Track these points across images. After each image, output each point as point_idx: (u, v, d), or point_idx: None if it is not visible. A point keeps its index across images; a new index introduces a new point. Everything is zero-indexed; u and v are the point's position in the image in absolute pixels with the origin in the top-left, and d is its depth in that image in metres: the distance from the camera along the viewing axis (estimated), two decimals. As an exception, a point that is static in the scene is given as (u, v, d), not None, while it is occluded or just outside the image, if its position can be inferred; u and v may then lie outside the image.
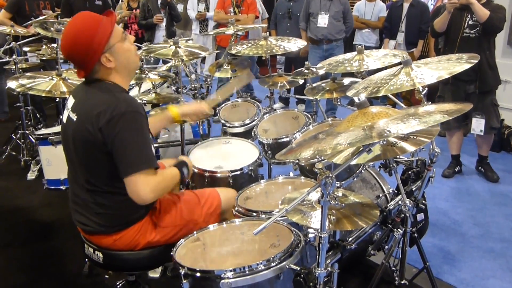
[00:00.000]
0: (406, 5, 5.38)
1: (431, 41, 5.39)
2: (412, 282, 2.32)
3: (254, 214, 1.97)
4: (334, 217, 1.65)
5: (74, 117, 1.78)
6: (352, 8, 5.77)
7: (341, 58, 2.38)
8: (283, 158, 1.59)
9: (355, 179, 2.26)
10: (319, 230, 1.51)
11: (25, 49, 4.67)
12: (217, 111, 3.10)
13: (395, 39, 5.49)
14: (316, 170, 1.46)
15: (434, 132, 1.69)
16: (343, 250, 1.76)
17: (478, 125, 3.69)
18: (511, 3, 4.69)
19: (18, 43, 4.14)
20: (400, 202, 2.08)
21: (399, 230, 2.06)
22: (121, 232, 1.83)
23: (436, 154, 2.00)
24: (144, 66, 3.00)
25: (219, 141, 2.79)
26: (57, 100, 3.77)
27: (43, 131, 3.16)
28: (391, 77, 1.78)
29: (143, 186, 1.68)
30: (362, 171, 2.27)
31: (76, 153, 1.78)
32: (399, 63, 1.85)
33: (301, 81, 3.14)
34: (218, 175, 2.40)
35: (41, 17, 4.35)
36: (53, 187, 2.96)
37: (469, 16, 3.59)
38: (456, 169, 4.08)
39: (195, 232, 1.86)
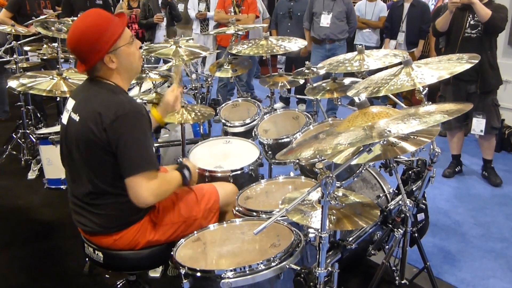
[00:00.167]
0: (406, 5, 5.36)
1: (431, 41, 5.39)
2: (413, 282, 2.32)
3: (255, 214, 1.97)
4: (334, 217, 1.65)
5: (76, 117, 1.77)
6: (353, 8, 5.77)
7: (341, 58, 2.38)
8: (283, 158, 1.59)
9: (355, 179, 2.26)
10: (320, 230, 1.51)
11: (26, 48, 4.67)
12: (217, 110, 3.11)
13: (395, 39, 5.48)
14: (316, 170, 1.46)
15: (435, 132, 1.69)
16: (344, 250, 1.77)
17: (478, 125, 3.69)
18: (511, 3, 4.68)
19: (19, 42, 4.15)
20: (400, 202, 2.08)
21: (399, 230, 2.06)
22: (121, 232, 1.84)
23: (436, 154, 2.00)
24: (145, 65, 3.00)
25: (220, 141, 2.79)
26: (57, 99, 3.76)
27: (44, 130, 3.16)
28: (391, 77, 1.78)
29: (144, 189, 1.69)
30: (363, 171, 2.27)
31: (80, 154, 1.77)
32: (400, 63, 1.85)
33: (301, 81, 3.14)
34: (219, 174, 2.40)
35: (41, 17, 4.35)
36: (53, 187, 2.97)
37: (470, 16, 3.58)
38: (456, 169, 4.07)
39: (195, 232, 1.87)
